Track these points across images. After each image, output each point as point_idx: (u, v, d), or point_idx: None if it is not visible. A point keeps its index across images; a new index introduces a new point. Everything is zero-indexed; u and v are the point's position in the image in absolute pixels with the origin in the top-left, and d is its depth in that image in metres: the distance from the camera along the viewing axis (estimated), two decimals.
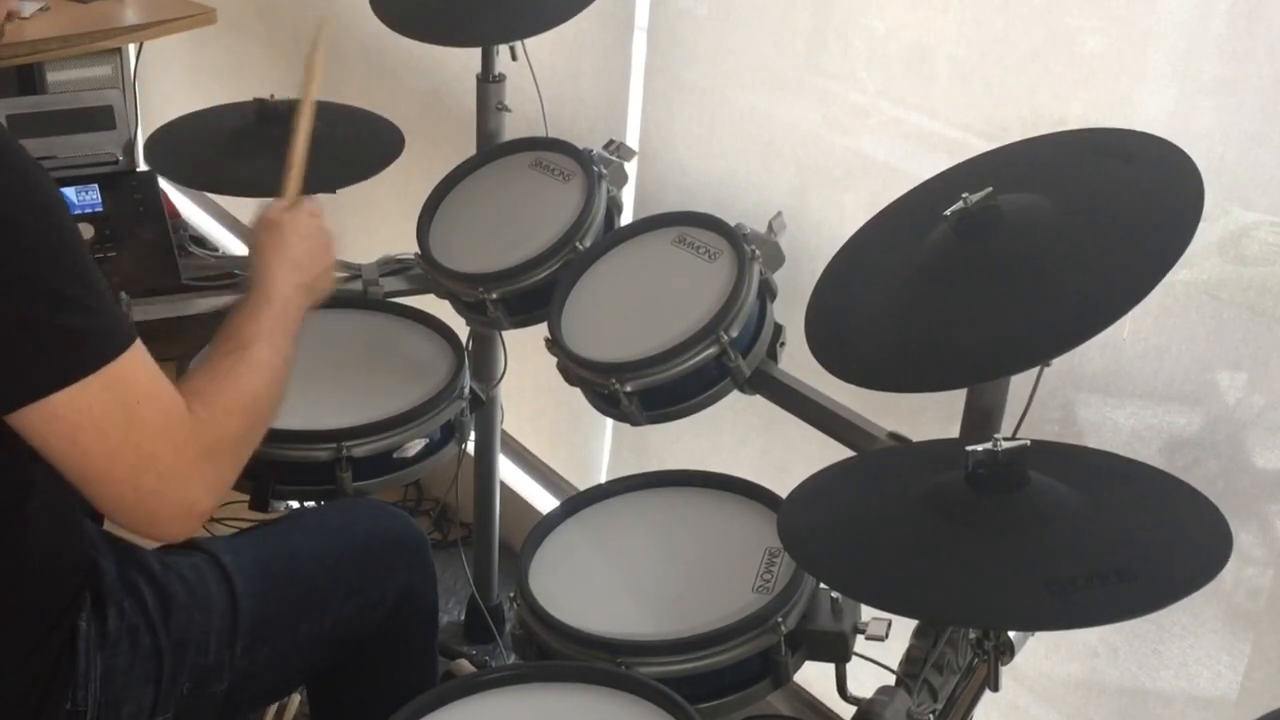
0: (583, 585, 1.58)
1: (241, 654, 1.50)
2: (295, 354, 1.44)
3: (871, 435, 1.65)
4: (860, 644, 1.52)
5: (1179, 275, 1.39)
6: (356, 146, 2.11)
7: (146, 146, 2.13)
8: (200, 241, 3.52)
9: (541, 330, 1.80)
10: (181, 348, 1.87)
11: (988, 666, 1.23)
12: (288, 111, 2.04)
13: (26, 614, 1.34)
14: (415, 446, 1.82)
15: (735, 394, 1.72)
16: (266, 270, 1.48)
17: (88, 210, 2.67)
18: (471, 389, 1.93)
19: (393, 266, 2.17)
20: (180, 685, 1.46)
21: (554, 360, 1.77)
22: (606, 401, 1.72)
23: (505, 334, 2.12)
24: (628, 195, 2.16)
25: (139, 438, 1.24)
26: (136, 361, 1.25)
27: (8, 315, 1.17)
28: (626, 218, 2.07)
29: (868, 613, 1.52)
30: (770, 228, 1.75)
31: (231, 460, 1.34)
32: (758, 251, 1.70)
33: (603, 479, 2.43)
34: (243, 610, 1.51)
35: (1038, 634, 1.37)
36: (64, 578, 1.39)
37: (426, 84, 2.78)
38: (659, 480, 1.74)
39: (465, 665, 2.26)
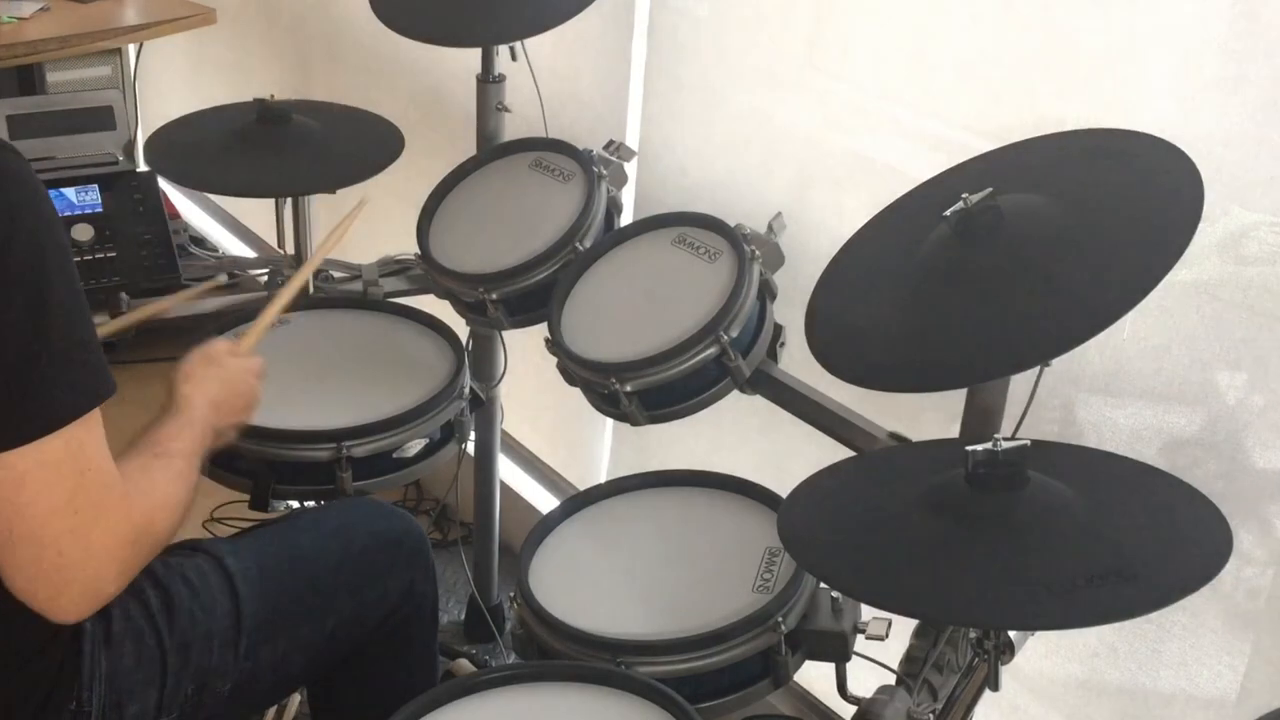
0: (583, 585, 1.58)
1: (244, 655, 1.51)
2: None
3: (871, 435, 1.65)
4: (860, 643, 1.52)
5: (1179, 275, 1.39)
6: (356, 146, 2.11)
7: (146, 146, 2.13)
8: (200, 241, 3.52)
9: (541, 330, 1.80)
10: (182, 348, 1.87)
11: (988, 666, 1.24)
12: (288, 112, 2.05)
13: (31, 615, 1.34)
14: (415, 446, 1.82)
15: (735, 394, 1.72)
16: (189, 400, 1.48)
17: (87, 210, 2.68)
18: (471, 389, 1.93)
19: (393, 267, 2.17)
20: (184, 686, 1.46)
21: (554, 360, 1.77)
22: (606, 401, 1.72)
23: (505, 334, 2.12)
24: (628, 195, 2.16)
25: (80, 504, 1.23)
26: (95, 426, 1.24)
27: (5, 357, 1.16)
28: (626, 218, 2.07)
29: (868, 612, 1.52)
30: (770, 228, 1.75)
31: (142, 558, 1.32)
32: (758, 252, 1.70)
33: (603, 479, 2.43)
34: (245, 611, 1.51)
35: (1038, 634, 1.37)
36: None
37: (426, 84, 2.78)
38: (659, 480, 1.74)
39: (465, 665, 2.27)
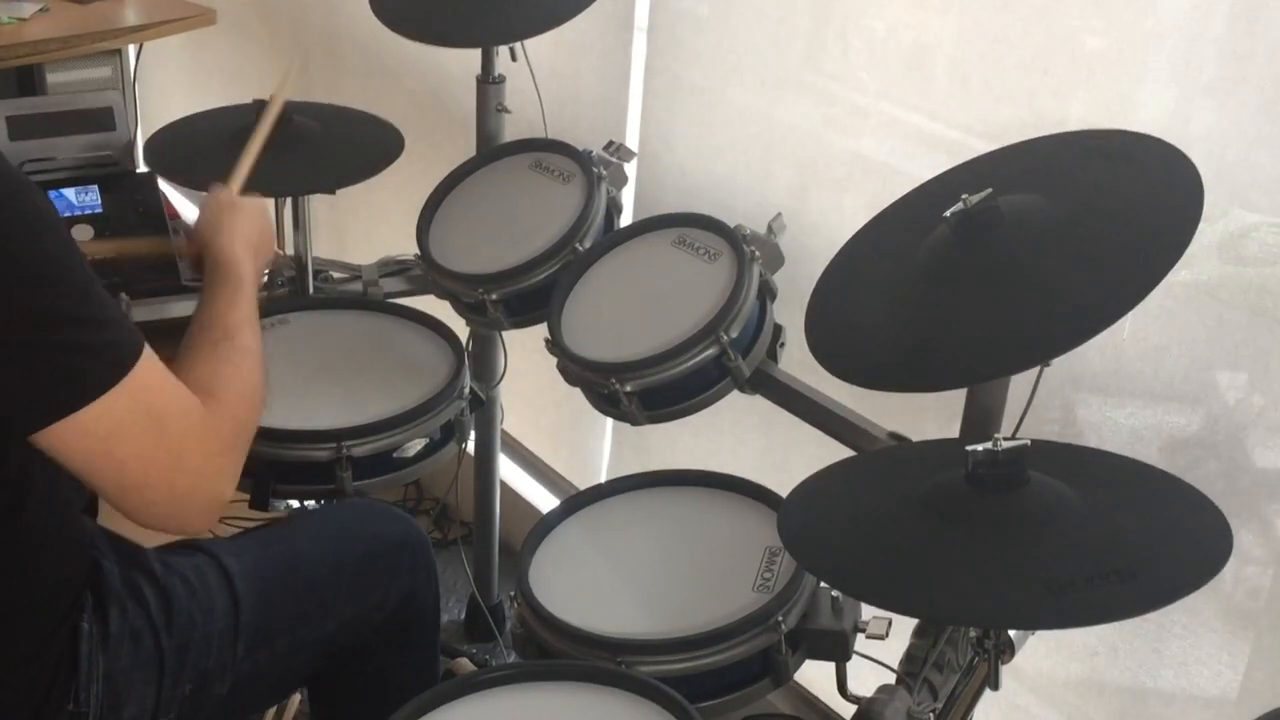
0: (583, 585, 1.58)
1: (243, 655, 1.51)
2: None
3: (871, 435, 1.65)
4: (860, 643, 1.52)
5: (1179, 275, 1.39)
6: (356, 147, 2.11)
7: (146, 147, 2.13)
8: None
9: (541, 330, 1.80)
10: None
11: (988, 665, 1.24)
12: (288, 113, 2.05)
13: (29, 615, 1.34)
14: (415, 446, 1.82)
15: (735, 394, 1.72)
16: (232, 255, 1.51)
17: (87, 211, 2.67)
18: (471, 389, 1.93)
19: (393, 267, 2.17)
20: (182, 686, 1.46)
21: (554, 360, 1.77)
22: (606, 401, 1.72)
23: (505, 334, 2.12)
24: (627, 196, 2.16)
25: (168, 441, 1.27)
26: (151, 366, 1.27)
27: (25, 343, 1.18)
28: (626, 218, 2.07)
29: (868, 611, 1.52)
30: (770, 229, 1.75)
31: (244, 447, 1.38)
32: (757, 252, 1.70)
33: (603, 479, 2.43)
34: (244, 612, 1.51)
35: (1038, 633, 1.37)
36: (66, 579, 1.39)
37: (426, 84, 2.78)
38: (659, 480, 1.74)
39: (465, 664, 2.27)
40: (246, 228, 1.55)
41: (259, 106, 1.98)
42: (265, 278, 1.59)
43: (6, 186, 1.20)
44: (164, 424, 1.27)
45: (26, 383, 1.19)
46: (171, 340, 1.88)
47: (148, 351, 1.26)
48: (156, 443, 1.26)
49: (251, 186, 1.88)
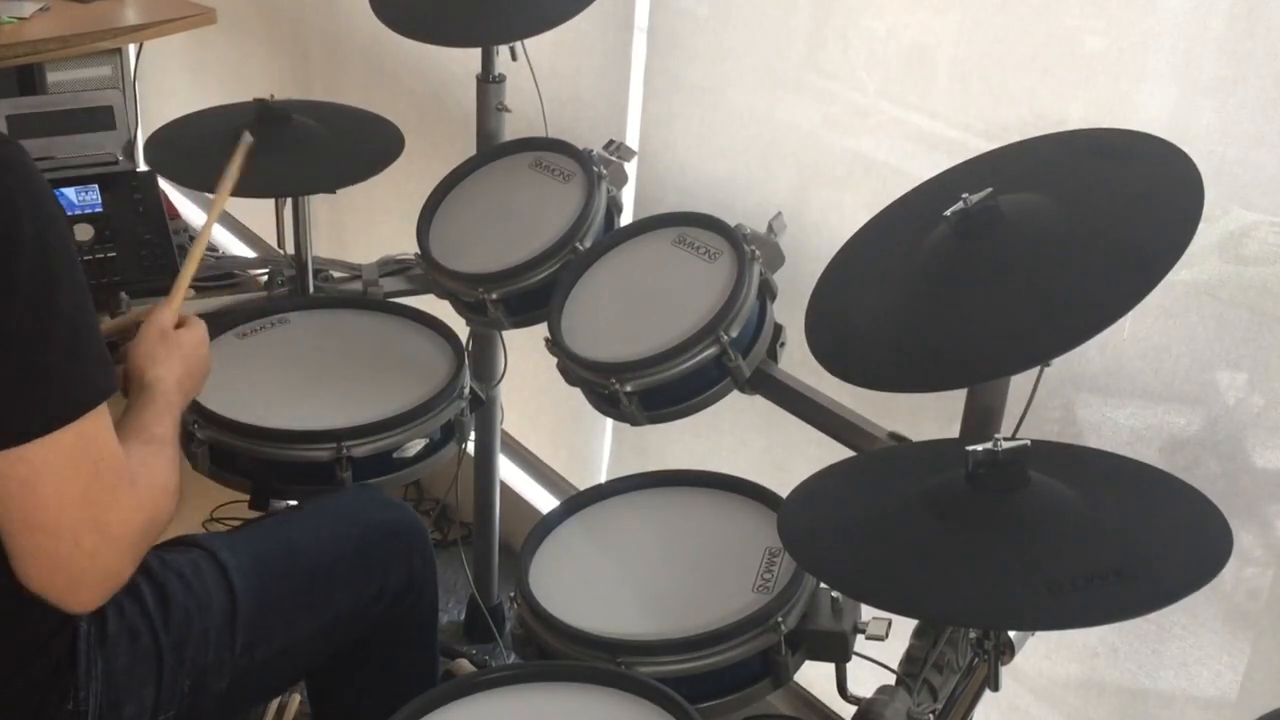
0: (583, 585, 1.58)
1: (241, 651, 1.50)
2: None
3: (871, 435, 1.65)
4: (860, 643, 1.52)
5: (1179, 275, 1.39)
6: (356, 146, 2.11)
7: (146, 146, 2.13)
8: None
9: (541, 330, 1.80)
10: None
11: (988, 666, 1.24)
12: (288, 112, 2.05)
13: (28, 616, 1.34)
14: (415, 446, 1.82)
15: (735, 394, 1.72)
16: (162, 382, 1.48)
17: (88, 210, 2.67)
18: (471, 389, 1.93)
19: (393, 266, 2.17)
20: (181, 684, 1.46)
21: (554, 360, 1.77)
22: (606, 401, 1.72)
23: (505, 334, 2.12)
24: (628, 195, 2.16)
25: (94, 495, 1.24)
26: (105, 418, 1.25)
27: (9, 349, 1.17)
28: (626, 218, 2.07)
29: (868, 612, 1.52)
30: (770, 228, 1.75)
31: (149, 543, 1.33)
32: (758, 252, 1.70)
33: (603, 479, 2.43)
34: (241, 607, 1.51)
35: (1038, 634, 1.37)
36: None
37: (426, 84, 2.78)
38: (659, 480, 1.74)
39: (465, 665, 2.27)
40: (180, 367, 1.51)
41: (259, 107, 1.98)
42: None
43: (25, 191, 1.20)
44: (98, 479, 1.24)
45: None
46: None
47: (104, 407, 1.24)
48: (83, 493, 1.23)
49: (251, 186, 1.88)
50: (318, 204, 2.16)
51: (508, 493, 2.64)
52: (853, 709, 1.41)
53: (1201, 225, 1.26)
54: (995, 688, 1.24)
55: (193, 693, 1.47)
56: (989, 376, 1.42)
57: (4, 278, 1.18)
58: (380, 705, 1.37)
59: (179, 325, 1.57)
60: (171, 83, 3.74)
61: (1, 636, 1.33)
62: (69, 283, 1.22)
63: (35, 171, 1.23)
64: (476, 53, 2.16)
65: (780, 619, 1.46)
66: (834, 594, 1.52)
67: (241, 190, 1.84)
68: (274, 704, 2.05)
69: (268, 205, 2.11)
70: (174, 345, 1.54)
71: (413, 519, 1.72)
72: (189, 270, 1.67)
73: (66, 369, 1.21)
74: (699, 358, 1.64)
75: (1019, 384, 1.43)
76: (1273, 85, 1.47)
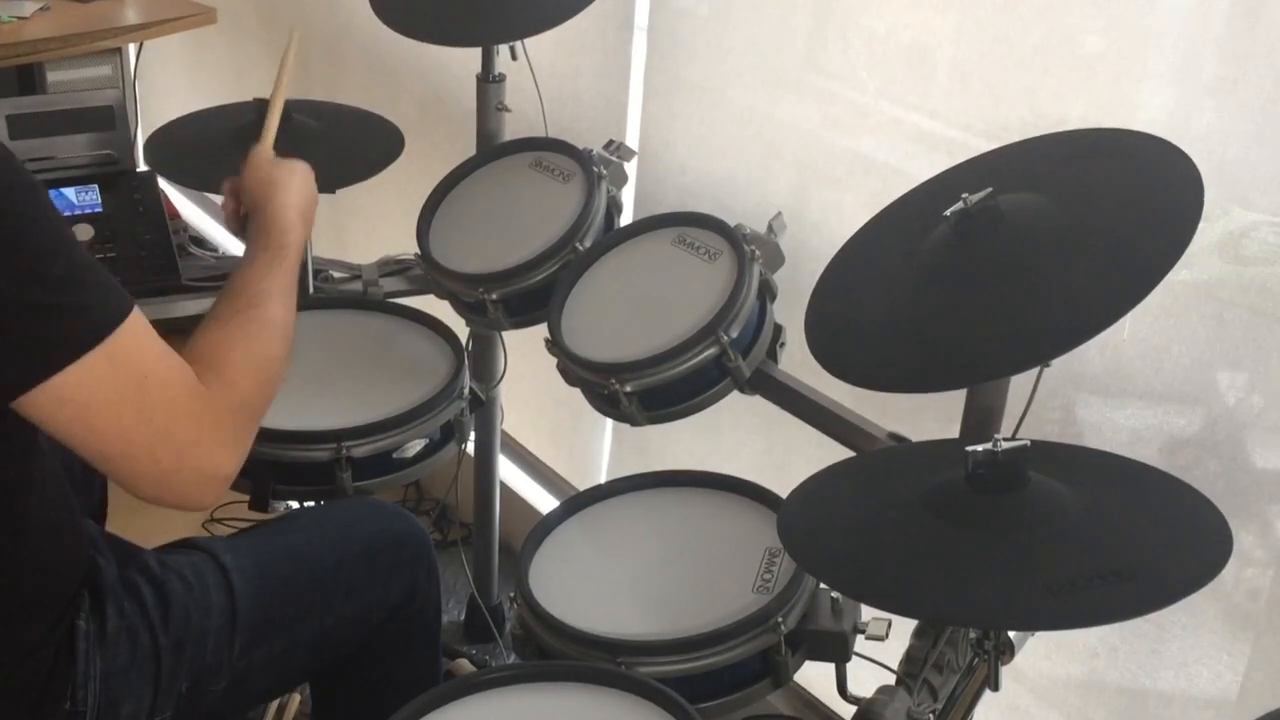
0: (583, 585, 1.58)
1: (240, 654, 1.50)
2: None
3: (871, 435, 1.65)
4: (860, 644, 1.52)
5: (1179, 275, 1.39)
6: (356, 146, 2.11)
7: (146, 146, 2.13)
8: (200, 241, 3.51)
9: (541, 330, 1.80)
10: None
11: (988, 666, 1.24)
12: (288, 112, 2.05)
13: (25, 613, 1.34)
14: (415, 447, 1.82)
15: (735, 394, 1.72)
16: (286, 220, 1.46)
17: (87, 210, 2.67)
18: (471, 389, 1.93)
19: (393, 266, 2.17)
20: (179, 684, 1.45)
21: (554, 360, 1.77)
22: (606, 401, 1.72)
23: (505, 334, 2.11)
24: (628, 195, 2.16)
25: (151, 411, 1.23)
26: (138, 331, 1.23)
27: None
28: (626, 218, 2.07)
29: (868, 612, 1.52)
30: (770, 228, 1.75)
31: (249, 424, 1.33)
32: (758, 252, 1.70)
33: (603, 479, 2.43)
34: (241, 610, 1.51)
35: (1038, 634, 1.37)
36: (63, 577, 1.38)
37: (426, 84, 2.78)
38: (659, 480, 1.74)
39: (465, 665, 2.27)
40: (299, 190, 1.50)
41: (259, 106, 1.98)
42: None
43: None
44: (147, 393, 1.22)
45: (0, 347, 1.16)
46: (173, 339, 1.88)
47: (134, 316, 1.22)
48: (137, 412, 1.22)
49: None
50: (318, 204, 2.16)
51: (508, 493, 2.64)
52: (853, 709, 1.41)
53: (1201, 225, 1.26)
54: (995, 688, 1.24)
55: (190, 694, 1.47)
56: (989, 376, 1.42)
57: None
58: (381, 707, 1.37)
59: None
60: (171, 83, 3.74)
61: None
62: (44, 219, 1.20)
63: None
64: (476, 53, 2.16)
65: (780, 619, 1.46)
66: (834, 594, 1.52)
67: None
68: (274, 704, 2.05)
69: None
70: (289, 169, 1.53)
71: (417, 529, 1.72)
72: (277, 106, 1.69)
73: (72, 300, 1.19)
74: (699, 358, 1.64)
75: (1019, 384, 1.43)
76: (1273, 85, 1.47)
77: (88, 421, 1.21)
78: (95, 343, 1.19)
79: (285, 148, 2.01)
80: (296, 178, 1.55)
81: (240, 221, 1.56)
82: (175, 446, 1.25)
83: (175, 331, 2.01)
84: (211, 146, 2.07)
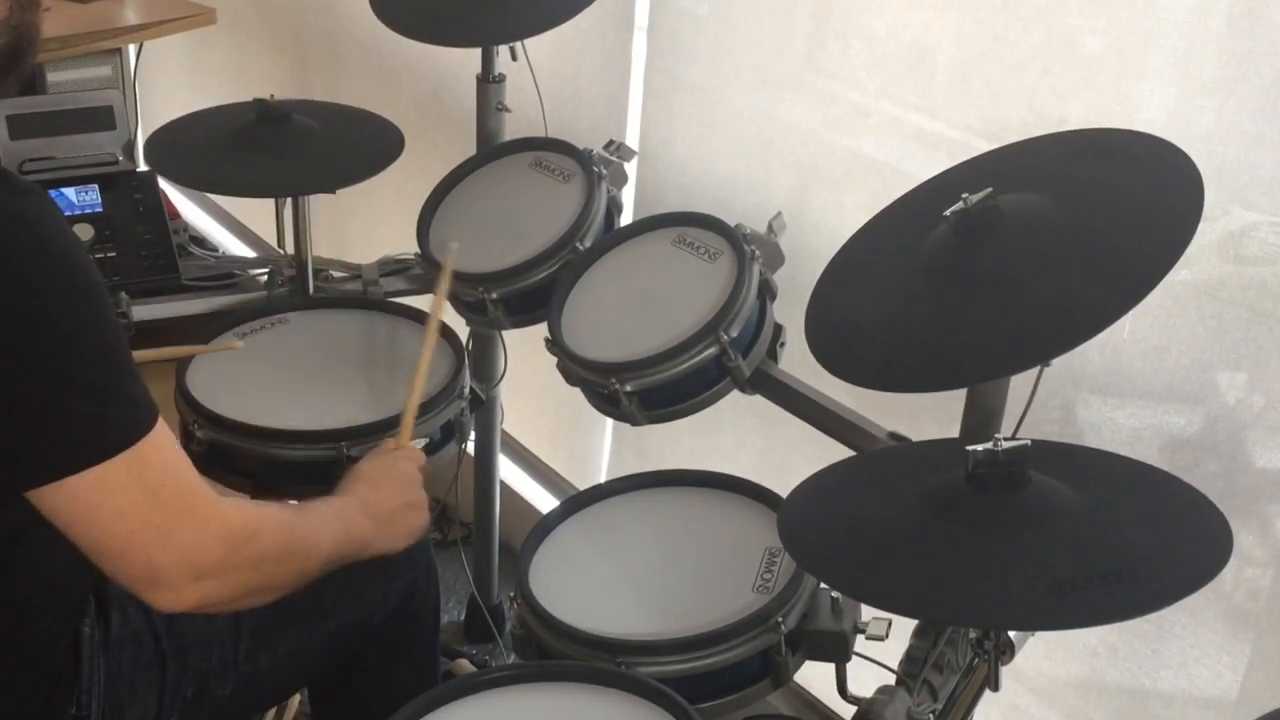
0: (583, 585, 1.58)
1: (245, 659, 1.50)
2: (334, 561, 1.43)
3: (871, 435, 1.65)
4: (860, 644, 1.52)
5: (1179, 275, 1.39)
6: (356, 146, 2.11)
7: (146, 146, 2.13)
8: (200, 241, 3.52)
9: (541, 330, 1.80)
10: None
11: (988, 666, 1.24)
12: (288, 112, 2.05)
13: (31, 619, 1.34)
14: (415, 446, 1.81)
15: (735, 394, 1.72)
16: (346, 482, 1.52)
17: (87, 210, 2.67)
18: (471, 389, 1.93)
19: (393, 266, 2.17)
20: (184, 690, 1.46)
21: (554, 360, 1.77)
22: (606, 401, 1.72)
23: (505, 334, 2.11)
24: (628, 195, 2.16)
25: (158, 519, 1.23)
26: (160, 444, 1.24)
27: (31, 398, 1.16)
28: (626, 218, 2.07)
29: (868, 612, 1.52)
30: (770, 228, 1.75)
31: (249, 573, 1.31)
32: (758, 252, 1.70)
33: (603, 479, 2.43)
34: (245, 615, 1.50)
35: (1038, 634, 1.37)
36: (68, 582, 1.38)
37: (426, 84, 2.78)
38: (659, 480, 1.74)
39: (465, 665, 2.27)
40: (373, 475, 1.54)
41: (260, 107, 1.98)
42: (403, 535, 1.55)
43: (54, 244, 1.18)
44: (159, 503, 1.23)
45: (24, 439, 1.17)
46: (171, 338, 1.88)
47: (159, 426, 1.23)
48: (144, 518, 1.22)
49: (251, 187, 1.88)
50: (318, 204, 2.16)
51: (508, 493, 2.64)
52: (853, 709, 1.41)
53: (1201, 225, 1.26)
54: (995, 688, 1.24)
55: (195, 699, 1.47)
56: (989, 376, 1.42)
57: (31, 321, 1.16)
58: (380, 707, 1.37)
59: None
60: (171, 83, 3.74)
61: (3, 640, 1.33)
62: (99, 325, 1.21)
63: (56, 218, 1.21)
64: (476, 53, 2.16)
65: (780, 619, 1.46)
66: (834, 594, 1.52)
67: (242, 190, 1.84)
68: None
69: (268, 205, 2.11)
70: (379, 460, 1.57)
71: None
72: (413, 405, 1.68)
73: (104, 410, 1.20)
74: (699, 358, 1.64)
75: (1019, 384, 1.43)
76: (1272, 85, 1.47)
77: (94, 521, 1.22)
78: (117, 452, 1.20)
79: (285, 148, 2.02)
80: (378, 469, 1.56)
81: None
82: (173, 550, 1.25)
83: (175, 331, 2.02)
84: (211, 146, 2.07)
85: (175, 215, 2.95)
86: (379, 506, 1.50)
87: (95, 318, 1.20)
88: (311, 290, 2.13)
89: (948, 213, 1.35)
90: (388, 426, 1.78)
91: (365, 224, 3.12)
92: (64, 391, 1.17)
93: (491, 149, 2.14)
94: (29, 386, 1.15)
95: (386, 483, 1.53)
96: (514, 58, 2.10)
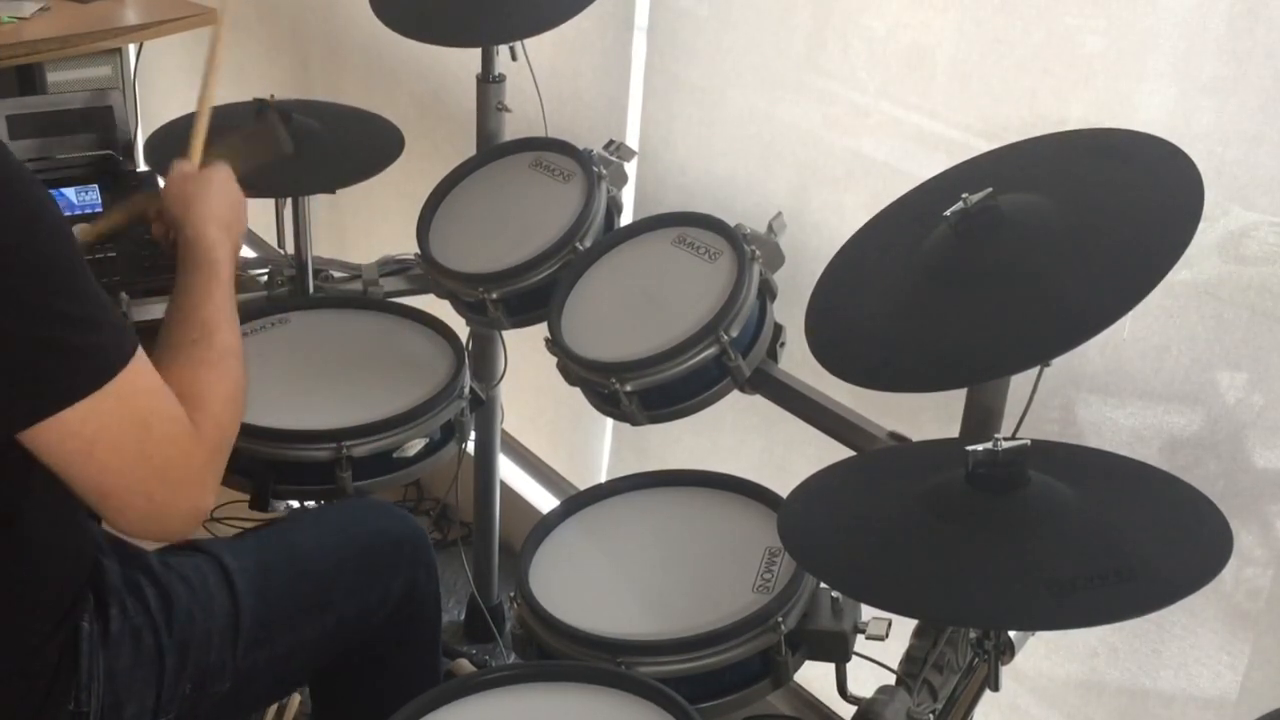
0: (583, 585, 1.58)
1: (243, 655, 1.50)
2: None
3: (871, 435, 1.65)
4: (860, 643, 1.52)
5: (1179, 275, 1.39)
6: (356, 146, 2.11)
7: (146, 146, 2.13)
8: None
9: (541, 330, 1.80)
10: None
11: (988, 666, 1.24)
12: (288, 112, 2.05)
13: (30, 614, 1.34)
14: (415, 446, 1.82)
15: (735, 394, 1.72)
16: (204, 235, 1.45)
17: (88, 210, 2.67)
18: (471, 389, 1.93)
19: (393, 266, 2.17)
20: (182, 686, 1.46)
21: (554, 360, 1.77)
22: (606, 401, 1.72)
23: (505, 334, 2.11)
24: (628, 195, 2.16)
25: (152, 449, 1.25)
26: (142, 370, 1.25)
27: (14, 336, 1.16)
28: (626, 218, 2.07)
29: (868, 612, 1.52)
30: (770, 228, 1.75)
31: (225, 456, 1.36)
32: (758, 251, 1.70)
33: (603, 479, 2.43)
34: (244, 611, 1.51)
35: (1038, 634, 1.37)
36: (67, 578, 1.38)
37: (426, 84, 2.78)
38: (659, 480, 1.74)
39: (465, 665, 2.26)
40: (216, 201, 1.49)
41: (260, 106, 1.98)
42: (238, 253, 1.51)
43: (4, 175, 1.18)
44: (149, 431, 1.25)
45: (12, 379, 1.17)
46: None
47: (139, 355, 1.24)
48: (140, 450, 1.24)
49: (251, 186, 1.88)
50: (318, 204, 2.16)
51: (508, 493, 2.64)
52: (853, 709, 1.41)
53: (1201, 225, 1.26)
54: (995, 688, 1.24)
55: (194, 695, 1.47)
56: (989, 376, 1.42)
57: (10, 258, 1.16)
58: (381, 707, 1.37)
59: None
60: (171, 83, 3.74)
61: (2, 636, 1.33)
62: (67, 256, 1.21)
63: (11, 159, 1.21)
64: (476, 53, 2.16)
65: (780, 619, 1.46)
66: (834, 594, 1.52)
67: (241, 190, 1.83)
68: (273, 704, 2.04)
69: (268, 205, 2.11)
70: (203, 181, 1.52)
71: (416, 529, 1.72)
72: (203, 118, 1.64)
73: (88, 340, 1.20)
74: (699, 357, 1.64)
75: (1019, 384, 1.43)
76: (1272, 85, 1.47)
77: (91, 456, 1.22)
78: (106, 380, 1.20)
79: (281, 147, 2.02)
80: (212, 187, 1.52)
81: (172, 246, 1.52)
82: (170, 483, 1.27)
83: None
84: (211, 146, 2.07)
85: None
86: (235, 229, 1.50)
87: (56, 248, 1.20)
88: (311, 290, 2.13)
89: (948, 213, 1.35)
90: (388, 426, 1.78)
91: (365, 224, 3.12)
92: (43, 324, 1.17)
93: (491, 149, 2.14)
94: (8, 323, 1.16)
95: (235, 219, 1.51)
96: (514, 58, 2.10)
